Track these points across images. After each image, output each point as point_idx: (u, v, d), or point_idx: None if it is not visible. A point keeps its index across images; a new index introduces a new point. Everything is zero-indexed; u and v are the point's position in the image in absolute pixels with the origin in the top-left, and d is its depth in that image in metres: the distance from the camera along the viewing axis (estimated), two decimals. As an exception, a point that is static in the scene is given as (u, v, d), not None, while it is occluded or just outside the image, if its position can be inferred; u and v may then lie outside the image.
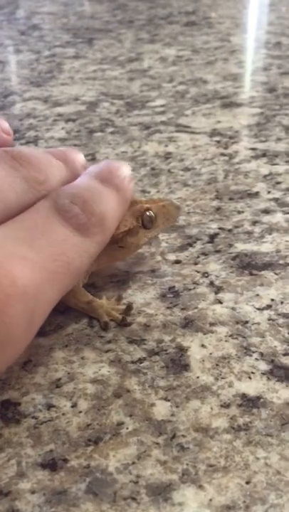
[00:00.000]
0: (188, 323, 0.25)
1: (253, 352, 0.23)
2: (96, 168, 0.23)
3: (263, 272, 0.28)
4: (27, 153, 0.21)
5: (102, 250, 0.23)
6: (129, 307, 0.25)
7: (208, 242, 0.30)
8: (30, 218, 0.19)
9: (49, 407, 0.21)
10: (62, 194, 0.20)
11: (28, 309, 0.17)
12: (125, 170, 0.23)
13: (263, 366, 0.22)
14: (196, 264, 0.29)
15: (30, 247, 0.18)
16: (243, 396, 0.21)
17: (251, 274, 0.28)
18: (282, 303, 0.26)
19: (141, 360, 0.23)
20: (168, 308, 0.26)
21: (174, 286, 0.27)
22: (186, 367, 0.22)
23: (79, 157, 0.24)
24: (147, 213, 0.26)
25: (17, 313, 0.17)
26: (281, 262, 0.28)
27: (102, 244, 0.21)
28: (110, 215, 0.21)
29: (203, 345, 0.23)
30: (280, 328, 0.24)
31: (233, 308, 0.25)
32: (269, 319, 0.25)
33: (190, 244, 0.30)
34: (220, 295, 0.26)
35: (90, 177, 0.22)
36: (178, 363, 0.23)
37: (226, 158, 0.40)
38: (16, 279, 0.16)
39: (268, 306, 0.25)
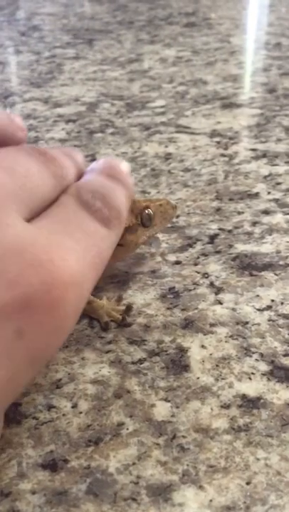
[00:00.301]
0: (188, 324, 0.25)
1: (253, 353, 0.23)
2: (99, 165, 0.23)
3: (263, 273, 0.28)
4: (49, 150, 0.21)
5: None
6: (129, 307, 0.25)
7: (209, 243, 0.31)
8: (62, 212, 0.19)
9: (49, 407, 0.21)
10: (83, 190, 0.21)
11: (79, 296, 0.18)
12: (125, 166, 0.24)
13: (263, 367, 0.22)
14: (196, 264, 0.29)
15: (71, 238, 0.18)
16: (243, 397, 0.21)
17: (251, 274, 0.28)
18: (282, 303, 0.26)
19: (141, 361, 0.23)
20: (168, 308, 0.26)
21: (174, 287, 0.27)
22: (186, 367, 0.22)
23: (81, 156, 0.25)
24: (146, 211, 0.26)
25: (72, 300, 0.17)
26: (281, 262, 0.29)
27: (119, 236, 0.22)
28: (123, 209, 0.22)
29: (203, 346, 0.23)
30: (280, 329, 0.24)
31: (233, 309, 0.25)
32: (269, 320, 0.25)
33: (190, 245, 0.30)
34: (220, 296, 0.26)
35: (98, 174, 0.22)
36: (178, 363, 0.23)
37: (226, 158, 0.40)
38: (69, 268, 0.17)
39: (268, 307, 0.25)
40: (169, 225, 0.32)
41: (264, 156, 0.40)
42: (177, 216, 0.33)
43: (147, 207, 0.26)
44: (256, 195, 0.35)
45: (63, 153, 0.23)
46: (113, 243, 0.21)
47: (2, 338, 0.16)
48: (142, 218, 0.26)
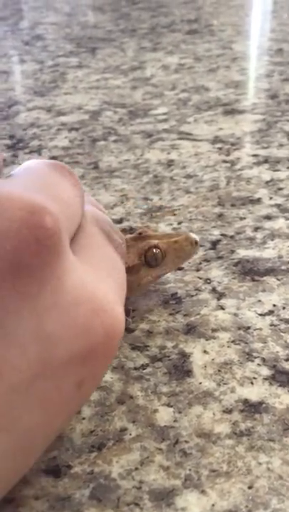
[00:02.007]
0: (190, 330, 0.25)
1: (255, 357, 0.23)
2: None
3: (265, 278, 0.28)
4: (65, 165, 0.20)
5: None
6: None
7: (211, 249, 0.31)
8: (95, 246, 0.19)
9: (53, 413, 0.21)
10: (101, 221, 0.20)
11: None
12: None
13: (265, 371, 0.22)
14: (198, 270, 0.29)
15: (112, 277, 0.18)
16: (245, 401, 0.21)
17: (253, 280, 0.28)
18: (284, 308, 0.26)
19: (144, 367, 0.23)
20: (170, 314, 0.26)
21: (176, 293, 0.27)
22: (188, 373, 0.23)
23: None
24: (153, 250, 0.25)
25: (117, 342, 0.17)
26: (283, 267, 0.29)
27: None
28: None
29: (205, 351, 0.24)
30: (282, 334, 0.24)
31: (235, 314, 0.26)
32: (271, 325, 0.25)
33: (192, 251, 0.30)
34: (222, 301, 0.27)
35: (92, 205, 0.21)
36: (180, 369, 0.23)
37: (228, 164, 0.40)
38: (122, 314, 0.17)
39: (270, 312, 0.26)
40: (171, 232, 0.32)
41: (266, 161, 0.41)
42: (179, 222, 0.33)
43: (155, 246, 0.25)
44: (258, 200, 0.35)
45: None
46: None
47: (63, 390, 0.15)
48: (145, 258, 0.25)
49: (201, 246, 0.31)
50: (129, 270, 0.24)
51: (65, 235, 0.16)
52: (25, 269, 0.14)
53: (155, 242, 0.25)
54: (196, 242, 0.25)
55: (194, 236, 0.25)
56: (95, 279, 0.17)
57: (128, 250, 0.25)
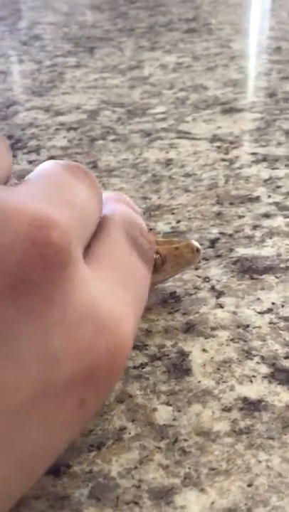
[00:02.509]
0: (189, 328, 0.25)
1: (254, 355, 0.23)
2: (110, 195, 0.22)
3: (263, 276, 0.28)
4: (81, 165, 0.20)
5: None
6: None
7: (209, 247, 0.31)
8: (114, 253, 0.18)
9: (52, 413, 0.21)
10: (130, 224, 0.19)
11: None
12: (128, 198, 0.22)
13: (264, 369, 0.22)
14: (197, 269, 0.29)
15: (127, 289, 0.17)
16: (245, 400, 0.21)
17: (252, 278, 0.28)
18: (283, 306, 0.26)
19: (143, 366, 0.23)
20: (169, 313, 0.26)
21: (175, 292, 0.27)
22: (187, 371, 0.23)
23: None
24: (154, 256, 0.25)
25: (126, 362, 0.16)
26: (282, 265, 0.29)
27: None
28: None
29: (204, 350, 0.24)
30: (281, 332, 0.24)
31: (234, 313, 0.26)
32: (270, 323, 0.25)
33: (191, 250, 0.30)
34: (221, 299, 0.27)
35: (123, 203, 0.21)
36: (179, 367, 0.23)
37: (227, 163, 0.40)
38: (129, 330, 0.16)
39: (269, 310, 0.26)
40: (170, 230, 0.32)
41: (264, 159, 0.41)
42: (178, 221, 0.33)
43: (155, 252, 0.24)
44: (257, 198, 0.35)
45: None
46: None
47: (65, 410, 0.15)
48: None
49: (200, 245, 0.31)
50: None
51: (76, 246, 0.15)
52: (29, 285, 0.14)
53: (156, 247, 0.25)
54: (198, 250, 0.25)
55: (196, 243, 0.25)
56: (104, 293, 0.16)
57: None
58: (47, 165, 0.19)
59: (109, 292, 0.16)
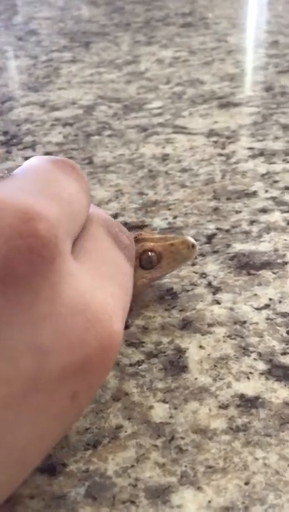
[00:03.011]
0: (186, 325, 0.25)
1: (252, 352, 0.23)
2: None
3: (261, 272, 0.28)
4: (70, 161, 0.19)
5: None
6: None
7: (206, 243, 0.30)
8: (100, 249, 0.18)
9: (48, 411, 0.21)
10: (109, 221, 0.19)
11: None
12: None
13: (262, 366, 0.22)
14: (193, 265, 0.29)
15: (115, 283, 0.17)
16: (242, 396, 0.21)
17: (249, 273, 0.28)
18: (280, 302, 0.26)
19: (139, 363, 0.23)
20: (166, 310, 0.26)
21: (172, 288, 0.27)
22: (184, 368, 0.22)
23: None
24: (148, 253, 0.25)
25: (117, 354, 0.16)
26: (279, 260, 0.28)
27: None
28: None
29: (201, 347, 0.23)
30: (278, 328, 0.24)
31: (231, 309, 0.25)
32: (267, 319, 0.25)
33: (188, 246, 0.30)
34: (218, 296, 0.26)
35: (97, 208, 0.21)
36: (176, 364, 0.23)
37: (224, 158, 0.40)
38: (120, 323, 0.16)
39: (266, 306, 0.25)
40: (166, 226, 0.32)
41: (261, 154, 0.40)
42: (175, 217, 0.33)
43: (150, 249, 0.25)
44: (254, 193, 0.35)
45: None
46: None
47: (57, 403, 0.15)
48: (140, 261, 0.25)
49: (197, 240, 0.31)
50: None
51: (63, 240, 0.15)
52: (17, 278, 0.14)
53: (151, 244, 0.25)
54: (194, 246, 0.25)
55: (191, 239, 0.25)
56: (95, 287, 0.16)
57: None
58: (34, 160, 0.19)
59: (98, 285, 0.16)
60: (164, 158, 0.41)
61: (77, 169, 0.19)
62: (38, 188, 0.16)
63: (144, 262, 0.25)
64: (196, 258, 0.29)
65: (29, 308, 0.14)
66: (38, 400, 0.14)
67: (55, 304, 0.15)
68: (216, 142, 0.43)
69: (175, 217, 0.33)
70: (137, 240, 0.25)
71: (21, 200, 0.15)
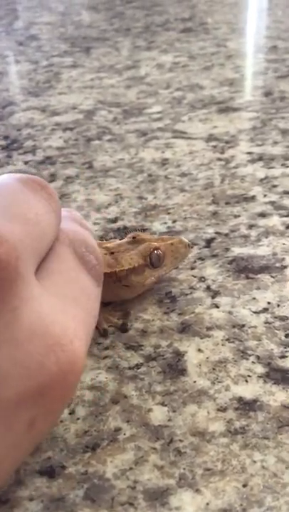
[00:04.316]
0: (185, 328, 0.25)
1: (250, 355, 0.23)
2: (63, 212, 0.21)
3: (259, 276, 0.28)
4: (40, 179, 0.19)
5: (106, 288, 0.21)
6: (127, 313, 0.25)
7: (205, 247, 0.31)
8: (64, 270, 0.18)
9: (47, 414, 0.21)
10: (76, 242, 0.19)
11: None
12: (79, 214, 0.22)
13: (260, 369, 0.22)
14: (192, 269, 0.29)
15: (78, 305, 0.17)
16: (240, 399, 0.21)
17: (248, 277, 0.28)
18: (278, 306, 0.26)
19: (138, 366, 0.23)
20: (165, 313, 0.26)
21: (170, 292, 0.27)
22: (182, 372, 0.23)
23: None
24: (156, 252, 0.26)
25: (79, 379, 0.16)
26: (277, 264, 0.29)
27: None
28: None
29: (199, 350, 0.24)
30: (276, 331, 0.24)
31: (230, 312, 0.26)
32: (265, 322, 0.25)
33: (187, 250, 0.30)
34: (216, 299, 0.26)
35: (70, 221, 0.20)
36: (175, 367, 0.23)
37: (223, 162, 0.40)
38: (82, 347, 0.16)
39: (265, 309, 0.26)
40: (165, 230, 0.32)
41: (260, 159, 0.40)
42: (174, 221, 0.33)
43: (157, 248, 0.26)
44: (252, 198, 0.35)
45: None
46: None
47: (14, 430, 0.14)
48: (150, 259, 0.25)
49: (196, 244, 0.31)
50: (135, 271, 0.25)
51: (25, 262, 0.15)
52: None
53: (156, 244, 0.26)
54: (189, 245, 0.27)
55: (186, 239, 0.27)
56: (56, 310, 0.16)
57: (129, 253, 0.25)
58: (2, 178, 0.18)
59: (60, 309, 0.16)
60: (164, 162, 0.41)
61: (47, 188, 0.18)
62: (3, 209, 0.16)
63: (154, 260, 0.26)
64: (194, 262, 0.29)
65: None
66: None
67: (14, 329, 0.14)
68: (215, 147, 0.43)
69: (174, 221, 0.33)
70: (137, 241, 0.26)
71: None
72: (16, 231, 0.15)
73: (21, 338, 0.14)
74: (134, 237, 0.26)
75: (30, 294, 0.15)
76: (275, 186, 0.36)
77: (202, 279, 0.28)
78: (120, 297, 0.26)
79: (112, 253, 0.25)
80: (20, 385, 0.14)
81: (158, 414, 0.21)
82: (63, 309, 0.16)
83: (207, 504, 0.17)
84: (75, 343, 0.15)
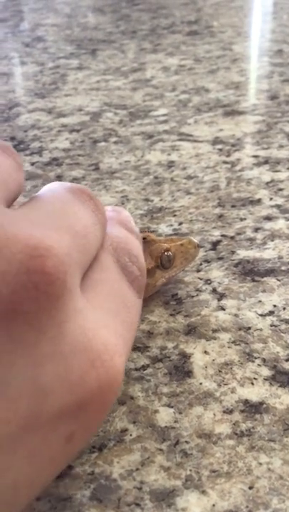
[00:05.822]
0: (191, 330, 0.25)
1: (256, 358, 0.23)
2: (109, 214, 0.21)
3: (265, 279, 0.28)
4: (88, 190, 0.19)
5: None
6: None
7: (211, 250, 0.31)
8: (106, 281, 0.18)
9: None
10: (119, 250, 0.19)
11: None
12: (128, 214, 0.22)
13: (266, 372, 0.22)
14: (198, 271, 0.29)
15: (118, 318, 0.17)
16: (246, 402, 0.21)
17: (254, 280, 0.28)
18: (284, 309, 0.26)
19: (144, 367, 0.23)
20: (171, 315, 0.26)
21: (177, 294, 0.27)
22: (189, 373, 0.23)
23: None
24: (166, 254, 0.26)
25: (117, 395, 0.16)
26: (283, 268, 0.29)
27: None
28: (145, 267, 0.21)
29: (206, 352, 0.24)
30: (282, 334, 0.24)
31: (236, 315, 0.26)
32: (271, 325, 0.25)
33: (193, 252, 0.30)
34: (223, 302, 0.27)
35: (116, 225, 0.20)
36: (181, 369, 0.23)
37: (228, 165, 0.41)
38: (122, 363, 0.16)
39: (271, 312, 0.26)
40: (171, 232, 0.32)
41: (266, 162, 0.41)
42: (180, 223, 0.33)
43: (167, 249, 0.26)
44: (258, 201, 0.35)
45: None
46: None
47: (52, 444, 0.14)
48: (161, 261, 0.26)
49: (202, 247, 0.31)
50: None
51: (72, 275, 0.15)
52: (21, 316, 0.14)
53: (166, 245, 0.26)
54: (198, 245, 0.27)
55: (195, 240, 0.27)
56: (100, 325, 0.16)
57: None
58: (52, 186, 0.18)
59: (103, 323, 0.16)
60: (170, 165, 0.41)
61: (95, 200, 0.19)
62: (52, 219, 0.16)
63: (165, 261, 0.26)
64: (200, 264, 0.29)
65: (33, 348, 0.14)
66: (33, 440, 0.14)
67: (59, 344, 0.14)
68: (221, 150, 0.43)
69: (180, 223, 0.33)
70: (147, 242, 0.26)
71: (31, 235, 0.14)
72: (64, 244, 0.15)
73: (65, 352, 0.14)
74: (144, 238, 0.26)
75: (76, 308, 0.15)
76: (280, 190, 0.37)
77: (208, 281, 0.28)
78: None
79: None
80: (62, 400, 0.14)
81: (164, 416, 0.21)
82: (106, 324, 0.16)
83: (213, 506, 0.18)
84: (116, 359, 0.15)
